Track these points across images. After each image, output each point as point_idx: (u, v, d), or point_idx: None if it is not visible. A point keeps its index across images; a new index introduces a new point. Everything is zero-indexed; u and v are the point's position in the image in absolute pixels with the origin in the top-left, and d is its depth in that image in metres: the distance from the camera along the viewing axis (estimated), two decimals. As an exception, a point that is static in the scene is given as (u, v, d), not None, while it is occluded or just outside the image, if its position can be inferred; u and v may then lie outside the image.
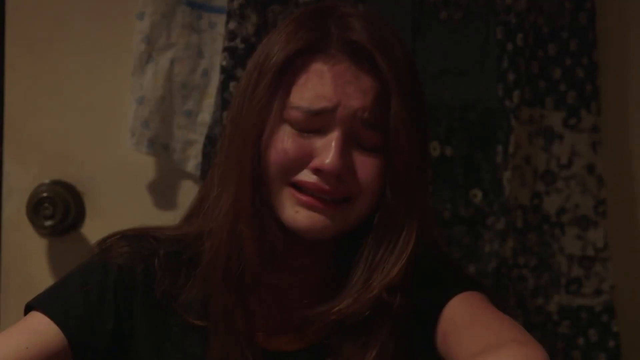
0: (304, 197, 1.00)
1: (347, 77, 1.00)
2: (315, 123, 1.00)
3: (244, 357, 1.03)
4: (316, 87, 1.00)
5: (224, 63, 1.36)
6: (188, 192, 1.43)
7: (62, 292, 1.03)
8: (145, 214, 1.45)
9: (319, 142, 1.00)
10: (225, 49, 1.36)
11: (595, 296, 1.42)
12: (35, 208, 1.44)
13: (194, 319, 1.04)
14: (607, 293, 1.42)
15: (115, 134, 1.45)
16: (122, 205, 1.46)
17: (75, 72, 1.47)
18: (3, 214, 1.48)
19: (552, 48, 1.41)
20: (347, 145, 1.00)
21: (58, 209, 1.44)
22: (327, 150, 0.99)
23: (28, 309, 1.02)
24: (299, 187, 1.00)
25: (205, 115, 1.42)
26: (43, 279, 1.45)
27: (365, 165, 1.01)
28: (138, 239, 1.07)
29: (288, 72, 1.01)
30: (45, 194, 1.44)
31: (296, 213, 1.00)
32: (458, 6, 1.39)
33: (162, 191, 1.47)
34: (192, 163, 1.42)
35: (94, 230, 1.47)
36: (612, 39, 1.45)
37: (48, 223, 1.44)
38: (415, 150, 1.02)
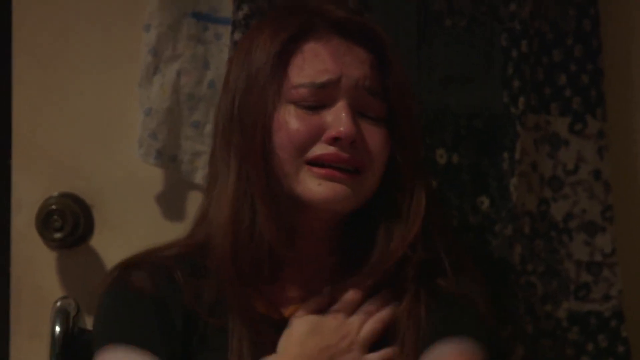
0: (323, 171, 1.04)
1: (342, 50, 1.06)
2: (320, 97, 1.05)
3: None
4: (315, 64, 1.05)
5: (230, 74, 1.37)
6: (196, 204, 1.40)
7: (128, 323, 1.05)
8: (153, 226, 1.45)
9: (327, 116, 1.05)
10: (231, 60, 1.37)
11: (604, 301, 1.41)
12: (45, 221, 1.45)
13: (214, 320, 1.06)
14: (615, 298, 1.41)
15: (123, 145, 1.45)
16: (130, 217, 1.47)
17: (83, 84, 1.48)
18: (12, 227, 1.49)
19: (556, 54, 1.41)
20: (355, 115, 1.05)
21: (67, 221, 1.44)
22: (339, 119, 1.04)
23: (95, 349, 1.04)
24: (315, 163, 1.04)
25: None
26: (53, 291, 1.46)
27: (373, 135, 1.06)
28: (149, 264, 1.09)
29: (282, 57, 1.05)
30: (54, 207, 1.45)
31: (319, 186, 1.04)
32: (462, 14, 1.39)
33: (171, 203, 1.47)
34: (200, 174, 1.42)
35: (103, 242, 1.47)
36: (617, 44, 1.45)
37: (57, 235, 1.45)
38: (415, 113, 1.11)
